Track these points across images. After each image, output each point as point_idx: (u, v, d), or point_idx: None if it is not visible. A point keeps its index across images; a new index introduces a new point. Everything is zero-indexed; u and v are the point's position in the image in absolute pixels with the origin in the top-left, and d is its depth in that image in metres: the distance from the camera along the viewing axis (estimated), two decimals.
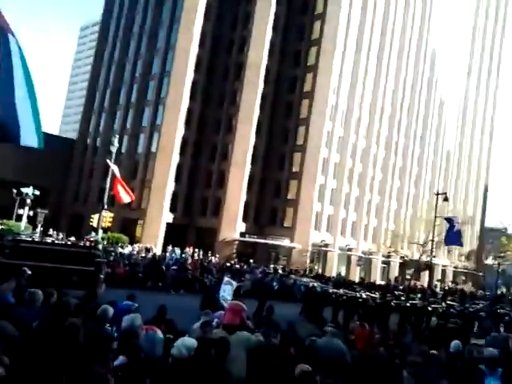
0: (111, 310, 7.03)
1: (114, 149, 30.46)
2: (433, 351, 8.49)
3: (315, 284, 26.14)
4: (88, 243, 24.06)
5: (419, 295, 27.74)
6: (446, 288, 44.03)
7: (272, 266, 39.37)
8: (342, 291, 23.09)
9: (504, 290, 43.40)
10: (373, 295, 22.65)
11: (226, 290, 14.51)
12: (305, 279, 30.29)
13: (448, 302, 23.39)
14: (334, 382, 7.65)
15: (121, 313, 7.39)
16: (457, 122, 78.89)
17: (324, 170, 52.85)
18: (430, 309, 19.32)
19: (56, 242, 27.83)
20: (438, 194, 31.14)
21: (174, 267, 26.87)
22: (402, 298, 22.87)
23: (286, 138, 55.03)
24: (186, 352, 5.61)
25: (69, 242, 28.80)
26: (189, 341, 5.92)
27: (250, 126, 52.21)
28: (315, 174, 51.48)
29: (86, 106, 65.78)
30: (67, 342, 4.75)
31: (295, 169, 53.67)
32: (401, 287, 35.75)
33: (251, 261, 38.33)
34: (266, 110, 54.46)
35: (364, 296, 21.26)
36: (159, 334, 6.60)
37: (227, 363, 7.22)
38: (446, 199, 30.81)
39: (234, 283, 16.41)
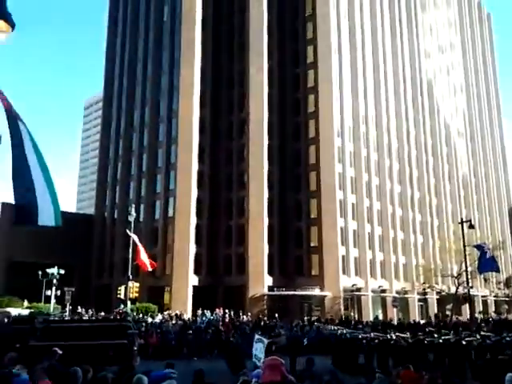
0: (146, 379, 6.89)
1: (131, 218, 30.90)
2: None
3: (344, 331, 25.10)
4: (117, 316, 23.75)
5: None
6: (490, 319, 41.99)
7: (306, 317, 38.23)
8: (372, 335, 22.16)
9: None
10: (404, 335, 21.65)
11: (258, 349, 14.17)
12: (332, 327, 29.20)
13: (482, 333, 22.18)
14: None
15: (157, 380, 7.19)
16: (466, 148, 78.78)
17: (342, 211, 52.46)
18: (464, 342, 18.39)
19: (85, 318, 27.61)
20: (462, 222, 30.44)
21: (208, 330, 26.26)
22: (435, 335, 21.75)
23: (299, 185, 55.16)
24: None
25: (99, 317, 28.49)
26: None
27: (262, 179, 52.60)
28: (335, 218, 51.06)
29: (99, 180, 67.26)
30: None
31: (313, 215, 53.37)
32: (433, 323, 34.14)
33: (276, 315, 37.06)
34: (275, 161, 55.04)
35: (394, 337, 20.35)
36: None
37: None
38: (471, 226, 30.10)
39: (265, 340, 15.96)
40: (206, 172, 55.96)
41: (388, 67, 64.32)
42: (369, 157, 57.63)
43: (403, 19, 69.84)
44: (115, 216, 61.57)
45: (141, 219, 54.79)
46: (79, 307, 35.53)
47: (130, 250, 29.32)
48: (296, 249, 53.95)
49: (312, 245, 52.81)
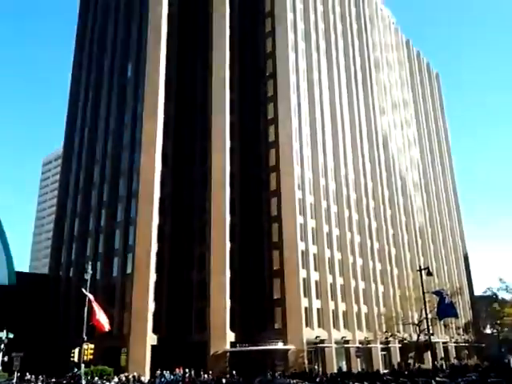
0: None
1: (88, 276, 29.84)
2: None
3: None
4: (71, 381, 22.34)
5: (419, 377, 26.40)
6: (443, 365, 42.11)
7: (269, 373, 37.18)
8: None
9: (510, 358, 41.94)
10: None
11: None
12: (288, 380, 28.53)
13: (438, 379, 22.44)
14: None
15: None
16: (421, 199, 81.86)
17: (304, 263, 52.56)
18: None
19: None
20: (421, 270, 31.12)
21: None
22: None
23: (261, 236, 55.19)
24: None
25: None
26: None
27: (223, 229, 52.29)
28: (296, 269, 50.99)
29: (54, 237, 65.17)
30: None
31: (276, 267, 53.14)
32: (387, 372, 33.98)
33: (234, 372, 35.82)
34: (237, 212, 55.12)
35: None
36: None
37: None
38: (429, 273, 30.81)
39: None
40: (167, 227, 55.24)
41: (345, 123, 67.21)
42: (329, 208, 58.75)
43: (359, 78, 73.90)
44: (71, 274, 59.30)
45: (97, 277, 52.96)
46: (28, 374, 33.20)
47: (86, 310, 28.12)
48: (258, 302, 53.16)
49: (275, 297, 52.21)
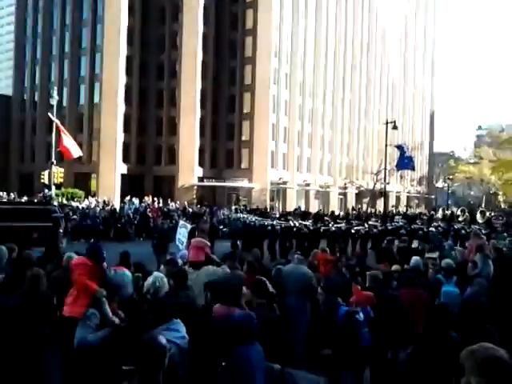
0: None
1: (54, 101, 29.06)
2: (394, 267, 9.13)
3: (253, 218, 26.73)
4: (42, 200, 23.23)
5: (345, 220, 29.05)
6: (396, 211, 45.86)
7: (234, 207, 39.70)
8: (275, 222, 23.89)
9: (455, 209, 46.00)
10: (306, 223, 23.72)
11: (182, 233, 14.89)
12: (243, 215, 30.74)
13: (370, 223, 24.87)
14: (302, 303, 7.96)
15: None
16: (400, 51, 79.47)
17: (275, 108, 52.52)
18: (352, 231, 20.80)
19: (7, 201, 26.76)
20: (387, 123, 31.77)
21: (135, 216, 26.71)
22: (330, 224, 23.96)
23: (234, 78, 53.93)
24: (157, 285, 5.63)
25: (21, 201, 27.67)
26: (158, 275, 5.95)
27: (194, 68, 50.55)
28: (267, 113, 51.14)
29: (16, 59, 61.52)
30: (30, 292, 4.68)
31: (246, 110, 53.10)
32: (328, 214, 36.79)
33: (206, 203, 38.38)
34: (210, 51, 52.81)
35: (298, 225, 22.23)
36: (128, 273, 6.62)
37: (199, 296, 7.40)
38: (394, 127, 31.48)
39: (189, 225, 16.88)
40: (136, 58, 52.83)
41: None
42: (305, 55, 56.61)
43: None
44: (36, 99, 57.51)
45: (64, 104, 51.72)
46: None
47: (53, 135, 28.01)
48: (228, 142, 54.28)
49: (243, 139, 53.26)
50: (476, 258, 9.05)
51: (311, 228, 21.67)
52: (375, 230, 20.56)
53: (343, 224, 23.97)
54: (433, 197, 73.36)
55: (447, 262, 8.11)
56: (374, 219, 32.21)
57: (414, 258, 9.20)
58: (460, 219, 24.70)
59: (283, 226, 21.89)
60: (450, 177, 59.21)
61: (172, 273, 5.90)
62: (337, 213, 40.74)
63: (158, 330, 3.77)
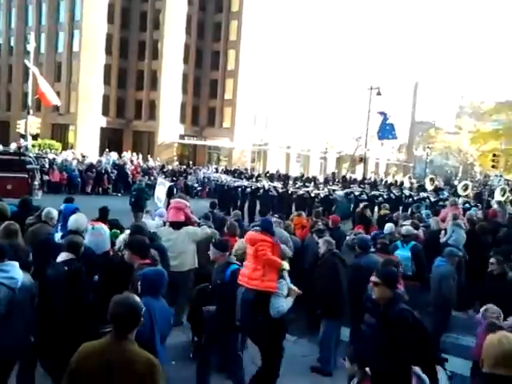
0: (55, 212, 6.92)
1: (30, 48, 27.93)
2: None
3: (228, 179, 26.77)
4: (18, 149, 22.61)
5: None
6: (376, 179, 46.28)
7: (214, 167, 39.44)
8: (246, 183, 24.02)
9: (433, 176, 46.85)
10: (275, 185, 23.84)
11: (160, 191, 14.86)
12: (217, 174, 30.65)
13: (329, 187, 25.18)
14: None
15: (66, 213, 7.25)
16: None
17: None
18: (312, 195, 20.95)
19: None
20: (371, 89, 31.72)
21: (113, 171, 26.39)
22: (299, 187, 24.11)
23: (219, 34, 52.46)
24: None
25: None
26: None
27: (179, 20, 49.02)
28: (252, 72, 50.18)
29: None
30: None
31: (230, 67, 51.96)
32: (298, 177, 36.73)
33: (189, 162, 38.05)
34: (195, 4, 51.11)
35: (267, 186, 22.35)
36: (106, 228, 6.63)
37: (180, 256, 7.46)
38: (379, 93, 31.47)
39: (167, 183, 16.85)
40: (118, 5, 50.78)
41: None
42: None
43: None
44: (11, 44, 55.12)
45: (42, 51, 49.73)
46: None
47: (30, 83, 27.06)
48: (210, 100, 53.34)
49: (226, 97, 52.35)
50: (448, 227, 9.28)
51: (280, 191, 21.76)
52: (335, 196, 20.64)
53: (311, 187, 24.12)
54: (411, 165, 74.21)
55: (407, 228, 8.52)
56: (331, 183, 32.61)
57: (388, 225, 9.45)
58: (429, 188, 25.04)
59: (253, 187, 21.91)
60: (430, 146, 59.76)
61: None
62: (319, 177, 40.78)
63: None
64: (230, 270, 5.24)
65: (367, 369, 3.94)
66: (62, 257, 4.79)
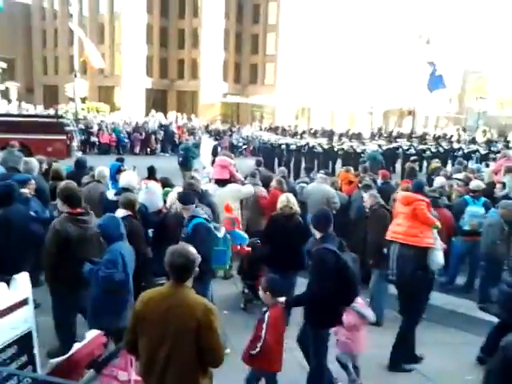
0: (107, 171, 7.19)
1: (73, 10, 28.27)
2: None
3: (271, 136, 26.53)
4: (57, 112, 23.18)
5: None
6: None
7: (258, 125, 39.15)
8: (291, 141, 23.71)
9: (486, 129, 44.39)
10: (320, 141, 23.47)
11: (205, 150, 15.03)
12: (260, 133, 30.46)
13: (375, 142, 24.56)
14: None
15: (111, 172, 7.47)
16: None
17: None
18: (358, 151, 20.46)
19: (27, 113, 26.86)
20: (420, 37, 30.23)
21: (160, 131, 26.82)
22: (344, 143, 23.56)
23: None
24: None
25: (41, 114, 27.59)
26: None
27: None
28: (294, 25, 48.62)
29: None
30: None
31: (271, 21, 50.57)
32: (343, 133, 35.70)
33: (233, 121, 37.97)
34: None
35: (312, 143, 22.03)
36: (159, 186, 6.89)
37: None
38: (428, 42, 30.00)
39: (212, 142, 17.01)
40: None
41: None
42: None
43: None
44: (55, 7, 55.74)
45: (84, 13, 50.09)
46: (23, 103, 34.32)
47: (75, 46, 27.48)
48: (251, 56, 52.47)
49: (268, 53, 51.29)
50: (505, 179, 8.92)
51: (325, 147, 21.44)
52: (380, 150, 20.22)
53: (355, 143, 23.61)
54: (463, 117, 70.92)
55: (476, 183, 8.18)
56: (377, 138, 31.81)
57: (439, 179, 9.18)
58: (480, 141, 24.18)
59: (298, 144, 21.72)
60: (483, 96, 56.58)
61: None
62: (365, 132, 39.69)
63: None
64: (192, 223, 4.99)
65: (281, 298, 4.16)
66: (120, 213, 5.02)
